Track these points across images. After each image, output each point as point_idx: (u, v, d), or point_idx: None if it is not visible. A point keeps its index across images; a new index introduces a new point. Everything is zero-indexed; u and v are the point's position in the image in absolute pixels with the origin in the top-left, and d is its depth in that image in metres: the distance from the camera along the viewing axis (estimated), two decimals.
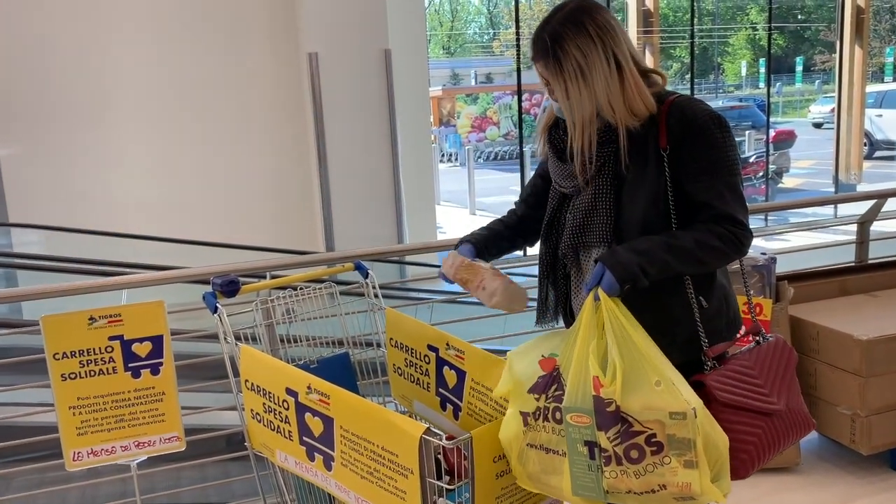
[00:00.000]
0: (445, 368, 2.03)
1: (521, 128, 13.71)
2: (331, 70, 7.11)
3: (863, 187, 13.14)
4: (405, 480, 1.54)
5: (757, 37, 27.10)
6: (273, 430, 1.83)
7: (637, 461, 1.44)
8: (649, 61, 13.93)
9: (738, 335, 1.73)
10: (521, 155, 11.93)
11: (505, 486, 1.66)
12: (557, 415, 1.54)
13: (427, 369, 2.07)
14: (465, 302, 4.97)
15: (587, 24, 1.55)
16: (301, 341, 2.21)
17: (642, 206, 1.59)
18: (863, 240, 3.73)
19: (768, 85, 15.51)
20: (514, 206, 1.96)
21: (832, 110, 15.12)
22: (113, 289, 2.69)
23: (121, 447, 2.22)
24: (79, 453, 2.20)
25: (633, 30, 13.74)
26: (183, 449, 2.29)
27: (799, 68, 26.10)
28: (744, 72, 28.33)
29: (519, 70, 11.55)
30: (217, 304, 1.97)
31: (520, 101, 12.64)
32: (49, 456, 2.53)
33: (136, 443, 2.23)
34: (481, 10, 33.81)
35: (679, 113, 1.58)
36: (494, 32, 32.24)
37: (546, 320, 1.84)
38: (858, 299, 3.33)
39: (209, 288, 2.01)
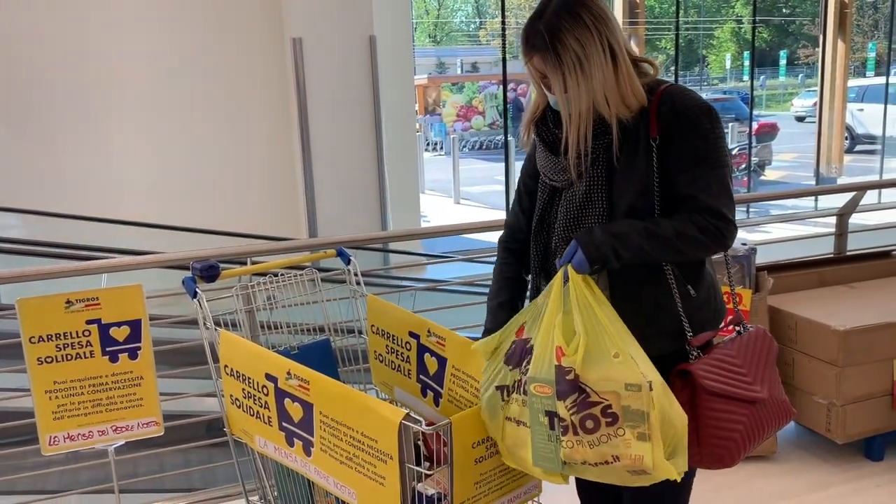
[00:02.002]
0: (426, 355, 2.03)
1: (506, 117, 13.70)
2: (315, 56, 7.04)
3: (843, 181, 13.27)
4: (384, 466, 1.55)
5: (742, 30, 27.21)
6: (252, 415, 1.83)
7: (592, 431, 1.45)
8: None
9: (723, 325, 1.74)
10: (506, 144, 11.91)
11: (484, 472, 1.67)
12: (526, 387, 1.55)
13: (408, 356, 2.07)
14: (447, 290, 4.98)
15: (583, 14, 1.52)
16: (282, 328, 2.20)
17: (631, 196, 1.58)
18: (841, 232, 3.78)
19: (752, 78, 15.59)
20: (510, 223, 1.86)
21: (814, 104, 15.24)
22: (92, 273, 2.66)
23: (98, 432, 2.21)
24: (55, 438, 2.18)
25: (618, 20, 13.76)
26: (161, 434, 2.27)
27: (783, 62, 26.25)
28: (728, 64, 28.45)
29: (505, 59, 11.51)
30: (197, 289, 1.96)
31: (505, 90, 12.60)
32: (27, 441, 2.51)
33: (113, 427, 2.21)
34: None
35: (670, 102, 1.57)
36: (481, 21, 32.13)
37: None
38: (836, 290, 3.37)
39: (189, 273, 2.00)
